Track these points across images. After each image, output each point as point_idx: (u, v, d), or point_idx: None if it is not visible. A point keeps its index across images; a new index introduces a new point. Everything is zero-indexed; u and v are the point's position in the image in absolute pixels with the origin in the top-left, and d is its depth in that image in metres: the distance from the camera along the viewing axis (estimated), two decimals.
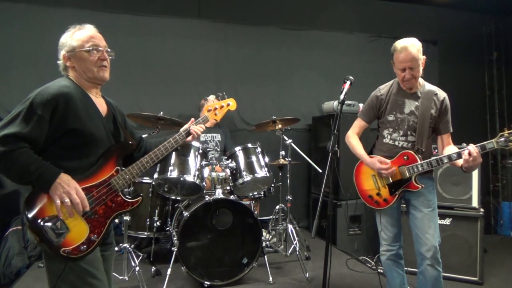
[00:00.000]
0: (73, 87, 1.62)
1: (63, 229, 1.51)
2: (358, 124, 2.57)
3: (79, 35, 1.66)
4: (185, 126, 2.00)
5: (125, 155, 1.79)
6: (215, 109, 2.14)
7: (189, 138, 1.98)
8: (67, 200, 1.50)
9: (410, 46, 2.25)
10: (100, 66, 1.68)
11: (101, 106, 1.73)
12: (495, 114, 5.44)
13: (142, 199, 1.77)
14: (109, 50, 1.73)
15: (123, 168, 1.73)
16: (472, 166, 2.14)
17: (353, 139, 2.54)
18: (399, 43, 2.30)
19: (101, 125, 1.66)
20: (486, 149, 2.11)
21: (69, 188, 1.51)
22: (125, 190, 1.76)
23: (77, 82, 1.68)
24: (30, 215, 1.49)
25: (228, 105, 2.19)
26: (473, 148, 2.10)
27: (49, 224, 1.49)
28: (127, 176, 1.72)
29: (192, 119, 2.06)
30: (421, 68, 2.31)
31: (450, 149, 2.35)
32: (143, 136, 2.07)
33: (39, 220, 1.49)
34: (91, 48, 1.65)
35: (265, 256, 3.20)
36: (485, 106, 5.52)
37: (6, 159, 1.43)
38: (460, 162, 2.19)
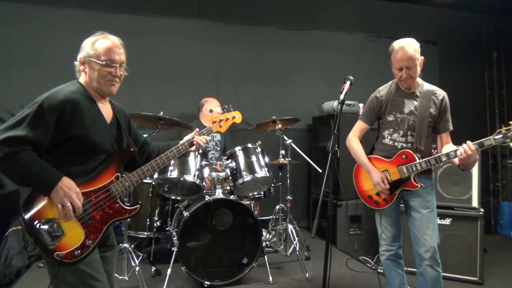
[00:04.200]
0: (82, 93, 1.63)
1: (58, 233, 1.51)
2: (359, 127, 2.56)
3: (98, 45, 1.66)
4: (189, 136, 2.01)
5: (126, 161, 1.80)
6: (220, 121, 2.15)
7: (192, 148, 1.99)
8: (68, 204, 1.50)
9: (407, 46, 2.26)
10: (109, 80, 1.67)
11: (107, 112, 1.74)
12: (495, 114, 5.43)
13: (140, 207, 1.77)
14: (125, 66, 1.73)
15: (123, 175, 1.73)
16: (468, 163, 2.15)
17: (355, 143, 2.53)
18: (397, 43, 2.31)
19: (105, 132, 1.67)
20: (484, 146, 2.11)
21: (71, 192, 1.51)
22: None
23: (86, 87, 1.68)
24: (26, 217, 1.49)
25: (234, 117, 2.20)
26: (467, 145, 2.10)
27: (45, 227, 1.50)
28: (127, 183, 1.72)
29: (197, 129, 2.07)
30: (418, 68, 2.31)
31: (448, 147, 2.35)
32: (143, 136, 2.07)
33: (35, 223, 1.49)
34: (104, 62, 1.64)
35: (265, 256, 3.20)
36: (485, 106, 5.50)
37: (9, 160, 1.44)
38: (457, 160, 2.20)
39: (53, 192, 1.49)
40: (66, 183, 1.52)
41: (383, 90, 2.49)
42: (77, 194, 1.53)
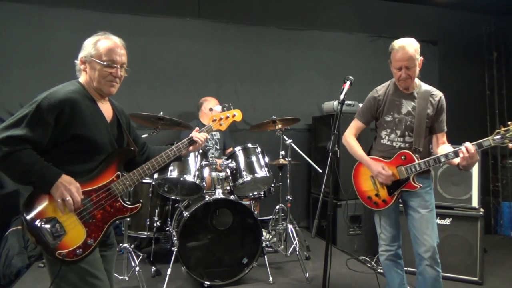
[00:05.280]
0: (81, 92, 1.63)
1: (60, 232, 1.51)
2: (355, 125, 2.57)
3: (100, 45, 1.66)
4: (189, 136, 2.01)
5: (127, 160, 1.80)
6: (220, 119, 2.15)
7: (192, 147, 1.99)
8: (68, 198, 1.50)
9: (408, 45, 2.26)
10: (109, 81, 1.68)
11: (107, 112, 1.74)
12: (495, 114, 5.43)
13: (141, 205, 1.77)
14: (125, 67, 1.73)
15: (123, 174, 1.73)
16: (469, 164, 2.14)
17: (350, 139, 2.54)
18: (397, 43, 2.31)
19: (105, 132, 1.68)
20: (483, 147, 2.11)
21: (70, 187, 1.51)
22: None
23: (87, 87, 1.68)
24: (28, 216, 1.49)
25: (234, 116, 2.20)
26: (467, 146, 2.10)
27: (46, 226, 1.50)
28: (127, 182, 1.72)
29: (197, 128, 2.07)
30: (417, 69, 2.31)
31: (445, 148, 2.35)
32: (143, 136, 2.08)
33: (37, 222, 1.49)
34: (105, 63, 1.65)
35: (265, 256, 3.20)
36: (485, 106, 5.51)
37: (9, 159, 1.44)
38: (456, 160, 2.19)
39: (53, 188, 1.49)
40: (66, 179, 1.52)
41: (380, 90, 2.49)
42: (77, 189, 1.54)
